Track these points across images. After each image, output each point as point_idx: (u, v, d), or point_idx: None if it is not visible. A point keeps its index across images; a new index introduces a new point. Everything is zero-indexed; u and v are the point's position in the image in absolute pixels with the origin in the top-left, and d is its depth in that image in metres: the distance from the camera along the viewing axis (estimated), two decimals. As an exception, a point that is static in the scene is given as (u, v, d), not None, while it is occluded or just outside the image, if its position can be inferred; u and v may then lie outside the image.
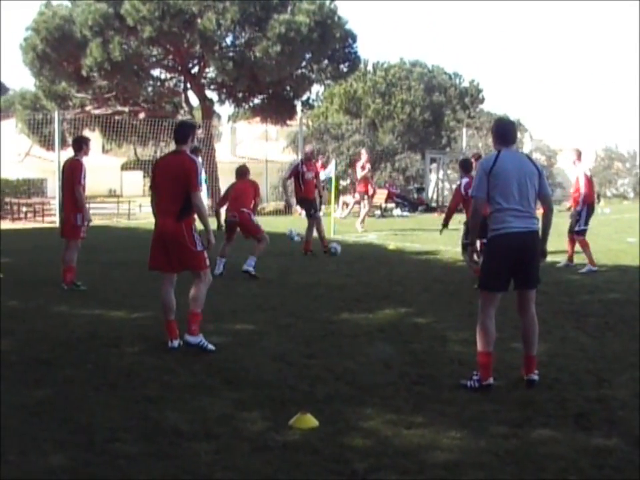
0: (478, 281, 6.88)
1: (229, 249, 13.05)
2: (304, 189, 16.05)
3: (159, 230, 7.78)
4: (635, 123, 77.48)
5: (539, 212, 6.72)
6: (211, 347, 7.65)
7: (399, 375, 6.88)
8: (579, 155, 13.94)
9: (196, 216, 7.74)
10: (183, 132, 7.89)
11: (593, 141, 54.67)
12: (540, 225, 6.64)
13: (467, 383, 6.45)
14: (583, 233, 13.87)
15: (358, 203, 24.71)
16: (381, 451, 5.08)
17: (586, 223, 13.96)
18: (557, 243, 13.71)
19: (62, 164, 12.02)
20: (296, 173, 16.21)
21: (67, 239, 11.35)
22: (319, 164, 20.66)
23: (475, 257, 6.86)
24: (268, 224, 17.23)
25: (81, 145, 11.37)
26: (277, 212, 32.21)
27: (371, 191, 24.41)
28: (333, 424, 5.58)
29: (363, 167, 23.79)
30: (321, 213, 20.23)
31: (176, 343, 7.75)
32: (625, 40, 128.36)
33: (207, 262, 7.82)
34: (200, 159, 8.09)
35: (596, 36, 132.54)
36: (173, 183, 7.61)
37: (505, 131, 6.79)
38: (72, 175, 11.04)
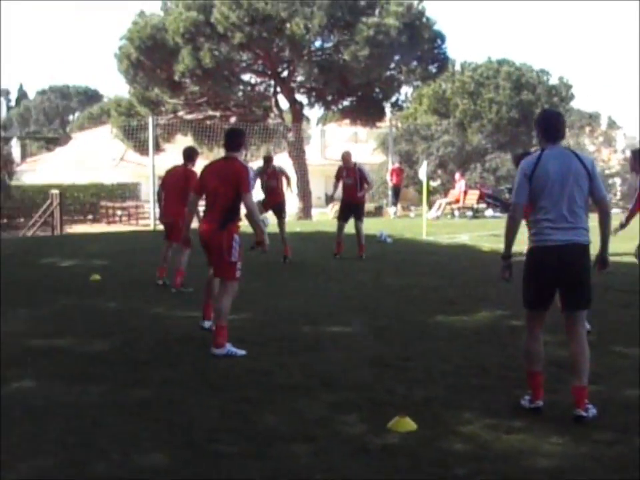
0: None
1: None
2: (269, 194, 15.29)
3: (199, 233, 7.89)
4: None
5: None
6: (240, 352, 7.54)
7: (498, 378, 6.76)
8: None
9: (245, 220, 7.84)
10: (237, 140, 7.92)
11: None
12: (596, 234, 5.87)
13: (522, 402, 5.98)
14: None
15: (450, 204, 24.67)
16: (482, 456, 5.00)
17: None
18: None
19: (170, 171, 11.98)
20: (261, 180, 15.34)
21: (180, 244, 10.41)
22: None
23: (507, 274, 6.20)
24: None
25: (192, 155, 11.67)
26: (367, 213, 32.09)
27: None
28: (432, 427, 5.52)
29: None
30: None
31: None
32: None
33: (238, 274, 7.74)
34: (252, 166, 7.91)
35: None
36: (224, 188, 7.62)
37: (548, 125, 5.93)
38: (186, 183, 10.83)
